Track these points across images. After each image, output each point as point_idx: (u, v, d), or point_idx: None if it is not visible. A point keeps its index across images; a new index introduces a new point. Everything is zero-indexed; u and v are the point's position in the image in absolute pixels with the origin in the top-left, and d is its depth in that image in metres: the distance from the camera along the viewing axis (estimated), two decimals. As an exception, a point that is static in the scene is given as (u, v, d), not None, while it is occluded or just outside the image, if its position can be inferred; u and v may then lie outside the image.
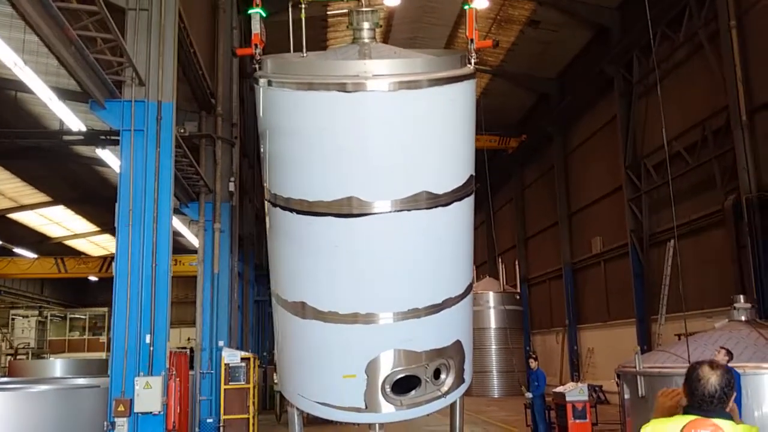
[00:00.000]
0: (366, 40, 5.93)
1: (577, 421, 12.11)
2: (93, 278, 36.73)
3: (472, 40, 5.65)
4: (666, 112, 18.40)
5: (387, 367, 5.62)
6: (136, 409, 8.43)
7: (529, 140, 29.62)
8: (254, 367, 14.72)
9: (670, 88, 18.47)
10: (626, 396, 11.20)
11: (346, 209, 5.28)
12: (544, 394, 14.37)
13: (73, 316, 36.88)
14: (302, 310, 5.71)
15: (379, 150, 5.37)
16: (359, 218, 5.39)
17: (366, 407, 5.61)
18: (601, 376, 22.49)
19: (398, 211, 5.39)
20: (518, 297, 28.98)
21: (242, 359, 13.86)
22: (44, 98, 12.31)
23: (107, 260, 27.93)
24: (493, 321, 27.81)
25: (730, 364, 8.77)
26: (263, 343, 25.58)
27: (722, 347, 9.03)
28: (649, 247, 19.99)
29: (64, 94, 13.38)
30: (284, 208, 5.58)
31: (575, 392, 12.44)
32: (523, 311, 29.77)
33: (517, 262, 30.19)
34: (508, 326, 27.16)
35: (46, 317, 35.31)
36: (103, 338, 35.61)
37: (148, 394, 8.41)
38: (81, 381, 13.31)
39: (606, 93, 22.50)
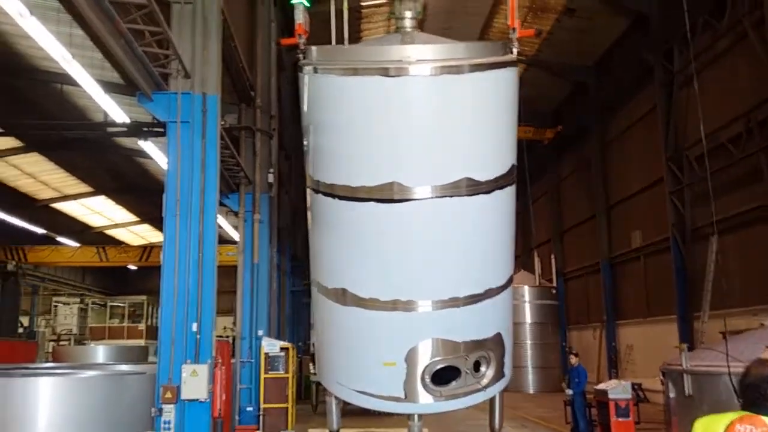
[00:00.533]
0: (408, 29, 5.98)
1: (620, 419, 11.87)
2: (132, 267, 37.51)
3: (514, 29, 5.64)
4: (709, 103, 18.04)
5: (426, 356, 5.60)
6: (183, 396, 8.57)
7: (565, 131, 29.21)
8: (293, 356, 14.87)
9: (713, 78, 18.06)
10: (671, 395, 11.00)
11: (388, 194, 5.30)
12: (585, 391, 14.23)
13: (113, 303, 37.72)
14: (343, 296, 5.73)
15: (421, 135, 5.40)
16: (401, 204, 5.42)
17: (405, 397, 5.60)
18: (640, 374, 22.12)
19: (440, 197, 5.42)
20: (554, 291, 28.66)
21: (281, 349, 14.03)
22: (90, 91, 12.60)
23: (147, 249, 28.47)
24: (528, 316, 27.59)
25: None
26: (299, 334, 25.83)
27: None
28: (692, 241, 19.60)
29: (109, 87, 13.62)
30: (327, 194, 5.66)
31: (618, 390, 12.24)
32: (559, 306, 29.45)
33: (553, 256, 29.87)
34: (545, 321, 26.91)
35: (87, 305, 36.16)
36: (142, 326, 36.42)
37: (195, 381, 8.55)
38: (125, 367, 13.61)
39: (645, 83, 22.05)
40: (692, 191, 19.50)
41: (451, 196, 5.44)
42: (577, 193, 29.63)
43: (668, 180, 20.36)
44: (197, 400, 8.60)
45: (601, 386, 13.30)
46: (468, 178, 5.43)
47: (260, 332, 14.81)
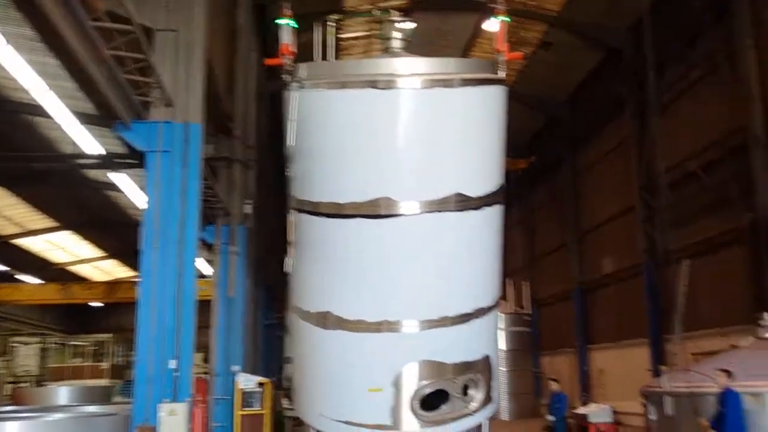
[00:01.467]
0: (397, 51, 5.93)
1: (602, 442, 11.83)
2: (95, 304, 36.41)
3: (502, 53, 5.64)
4: (681, 132, 18.45)
5: (415, 380, 5.43)
6: (162, 437, 8.18)
7: (538, 161, 29.62)
8: (270, 392, 14.45)
9: (685, 107, 18.50)
10: (652, 417, 10.96)
11: (377, 210, 5.21)
12: (565, 416, 14.16)
13: (74, 342, 36.45)
14: (327, 320, 5.55)
15: (411, 147, 5.31)
16: (390, 219, 5.29)
17: (392, 424, 5.42)
18: (611, 397, 22.16)
19: (429, 212, 5.30)
20: (528, 318, 28.72)
21: (259, 384, 13.63)
22: (62, 121, 12.27)
23: (113, 285, 27.68)
24: (503, 343, 27.52)
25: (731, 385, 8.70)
26: (271, 368, 25.22)
27: (722, 369, 9.02)
28: (664, 266, 19.84)
29: (81, 118, 13.27)
30: (313, 213, 5.48)
31: (600, 413, 12.21)
32: (533, 332, 29.49)
33: (526, 283, 29.99)
34: (518, 348, 26.85)
35: (47, 344, 34.93)
36: (105, 365, 35.22)
37: (173, 421, 8.16)
38: (93, 409, 13.00)
39: (617, 114, 22.53)
40: (664, 217, 19.80)
41: (441, 211, 5.32)
42: (549, 222, 29.96)
43: (640, 207, 20.67)
44: (176, 441, 8.22)
45: (582, 410, 13.25)
46: (458, 194, 5.32)
47: (235, 368, 14.37)
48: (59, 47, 6.87)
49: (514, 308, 28.22)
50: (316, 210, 5.61)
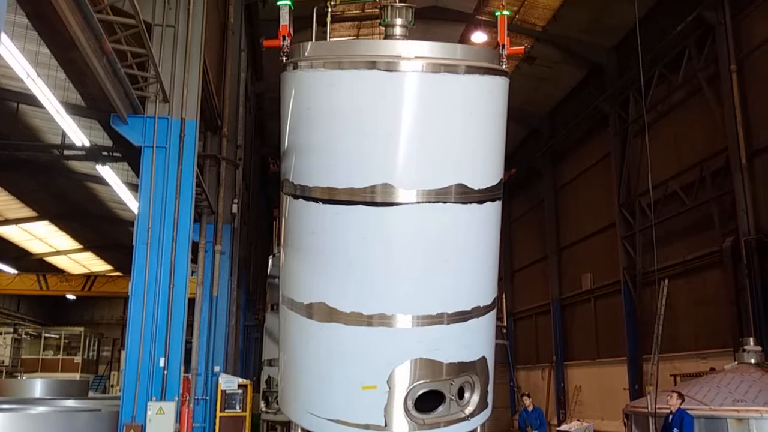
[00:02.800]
0: (398, 37, 5.82)
1: (583, 460, 11.92)
2: (70, 297, 35.89)
3: (503, 46, 5.65)
4: (663, 153, 18.73)
5: (410, 378, 5.24)
6: (148, 435, 8.11)
7: (518, 174, 29.78)
8: (250, 394, 14.35)
9: (667, 128, 18.78)
10: (634, 437, 11.08)
11: (378, 197, 5.04)
12: (547, 432, 14.22)
13: (47, 335, 35.88)
14: (320, 311, 5.34)
15: (412, 132, 5.16)
16: (392, 207, 5.11)
17: (385, 425, 5.25)
18: (588, 415, 22.31)
19: (432, 202, 5.15)
20: (504, 331, 28.81)
21: (239, 386, 13.52)
22: (51, 111, 12.12)
23: (90, 279, 27.34)
24: (479, 354, 27.61)
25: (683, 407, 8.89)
26: (249, 370, 25.08)
27: (674, 391, 9.24)
28: (643, 285, 20.09)
29: (70, 109, 13.13)
30: (309, 199, 5.30)
31: (581, 431, 12.29)
32: (509, 345, 29.61)
33: (503, 295, 30.14)
34: (495, 360, 26.94)
35: (21, 335, 34.33)
36: (78, 359, 34.71)
37: (161, 420, 8.10)
38: (71, 403, 12.82)
39: (600, 130, 22.77)
40: (644, 237, 20.05)
41: (443, 202, 5.18)
42: (529, 234, 30.09)
43: (620, 225, 20.91)
44: (163, 439, 8.14)
45: (563, 428, 13.34)
46: (460, 185, 5.21)
47: (217, 368, 14.26)
48: (62, 38, 6.78)
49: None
50: (310, 195, 5.37)
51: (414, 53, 5.22)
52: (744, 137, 15.30)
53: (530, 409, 14.54)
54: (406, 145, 5.32)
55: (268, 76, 20.64)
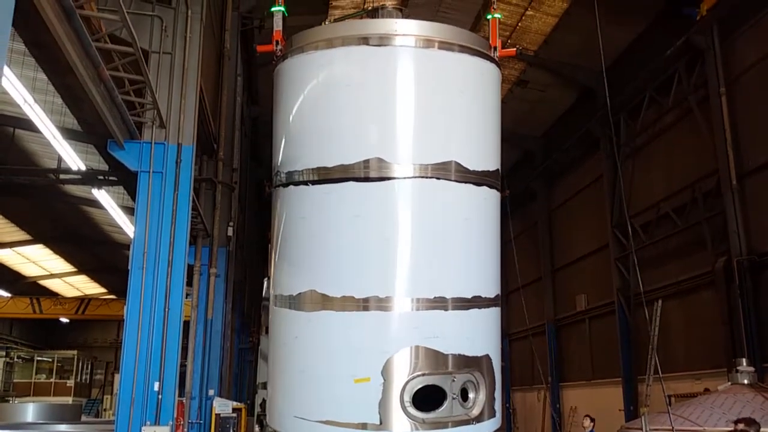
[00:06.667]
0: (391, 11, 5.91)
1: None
2: (63, 320, 35.70)
3: (495, 48, 5.76)
4: (654, 174, 18.92)
5: (407, 369, 4.87)
6: (142, 460, 8.10)
7: (512, 195, 29.88)
8: (245, 418, 14.32)
9: (658, 150, 18.99)
10: (632, 457, 11.08)
11: (372, 173, 4.94)
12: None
13: (40, 358, 35.62)
14: (308, 300, 5.03)
15: (407, 106, 5.17)
16: (386, 182, 4.97)
17: (380, 423, 4.81)
18: (584, 436, 22.26)
19: (428, 177, 5.06)
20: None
21: (234, 410, 13.49)
22: (48, 136, 12.21)
23: (84, 302, 27.25)
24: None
25: None
26: (243, 393, 24.95)
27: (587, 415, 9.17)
28: (636, 306, 20.15)
29: (66, 134, 13.24)
30: (298, 183, 5.22)
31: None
32: (505, 367, 29.53)
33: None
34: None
35: (13, 359, 34.07)
36: (70, 382, 34.43)
37: (155, 444, 8.10)
38: (64, 428, 12.78)
39: (592, 152, 22.99)
40: (637, 258, 20.13)
41: (438, 178, 5.10)
42: (523, 256, 30.07)
43: (613, 246, 21.03)
44: (157, 464, 8.14)
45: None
46: (457, 162, 5.19)
47: (211, 391, 14.22)
48: (60, 66, 6.89)
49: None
50: (300, 179, 5.18)
51: (407, 30, 5.32)
52: (734, 159, 15.48)
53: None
54: (400, 118, 5.30)
55: (264, 99, 20.86)
